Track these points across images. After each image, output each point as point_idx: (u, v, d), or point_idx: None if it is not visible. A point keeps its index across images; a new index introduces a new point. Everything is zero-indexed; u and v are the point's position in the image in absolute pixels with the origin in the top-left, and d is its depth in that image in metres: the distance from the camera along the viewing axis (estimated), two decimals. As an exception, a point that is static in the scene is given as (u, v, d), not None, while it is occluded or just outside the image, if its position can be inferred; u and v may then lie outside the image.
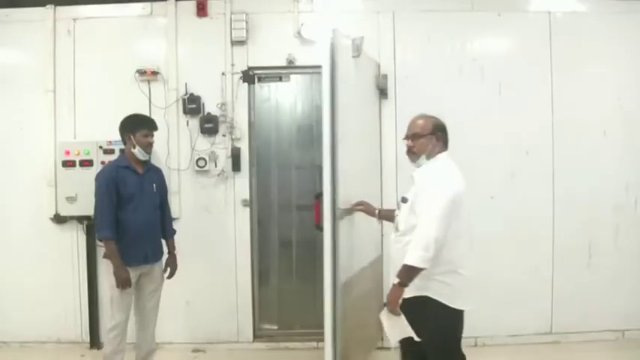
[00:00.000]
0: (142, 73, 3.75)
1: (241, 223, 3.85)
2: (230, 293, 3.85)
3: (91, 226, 3.64)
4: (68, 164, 3.69)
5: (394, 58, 3.78)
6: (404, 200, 2.44)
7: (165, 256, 3.27)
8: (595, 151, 3.84)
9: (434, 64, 3.80)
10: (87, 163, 3.68)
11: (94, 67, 3.80)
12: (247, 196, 3.83)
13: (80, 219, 3.75)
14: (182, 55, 3.81)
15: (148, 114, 3.68)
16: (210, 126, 3.77)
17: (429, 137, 2.45)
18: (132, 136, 3.06)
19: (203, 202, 3.86)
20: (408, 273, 2.27)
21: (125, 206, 3.00)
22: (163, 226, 3.24)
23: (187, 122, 3.80)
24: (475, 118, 3.77)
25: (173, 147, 3.82)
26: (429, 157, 2.45)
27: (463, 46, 3.83)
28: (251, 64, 3.79)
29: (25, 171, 3.83)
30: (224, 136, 3.80)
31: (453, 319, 2.40)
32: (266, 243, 4.04)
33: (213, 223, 3.84)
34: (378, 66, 3.74)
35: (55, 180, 3.76)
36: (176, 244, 3.31)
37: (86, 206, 3.35)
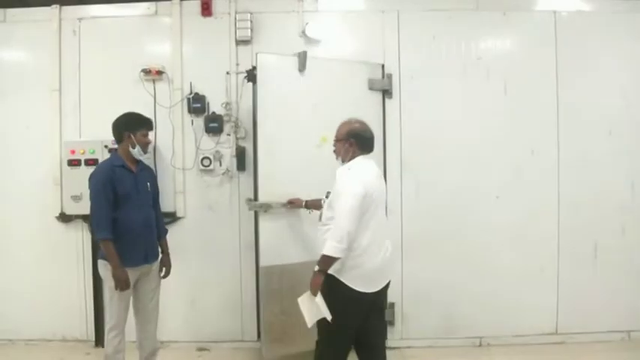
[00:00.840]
0: (146, 72, 3.82)
1: (246, 222, 3.88)
2: (235, 293, 3.90)
3: (94, 226, 3.70)
4: (73, 163, 3.76)
5: (399, 58, 3.83)
6: (327, 195, 2.77)
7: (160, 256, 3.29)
8: (601, 150, 3.89)
9: (439, 64, 3.86)
10: (92, 162, 3.73)
11: (99, 67, 3.87)
12: (252, 195, 3.83)
13: (85, 218, 3.82)
14: (187, 54, 3.87)
15: (152, 113, 3.82)
16: (214, 125, 3.83)
17: (342, 142, 2.77)
18: (132, 135, 3.07)
19: (208, 201, 3.91)
20: (325, 261, 2.60)
21: (122, 206, 2.99)
22: (156, 226, 3.23)
23: (192, 121, 3.87)
24: (480, 118, 3.84)
25: (178, 146, 3.89)
26: (343, 159, 2.77)
27: (468, 46, 3.87)
28: (255, 64, 3.67)
29: (31, 170, 3.91)
30: (229, 135, 3.85)
31: (350, 300, 2.66)
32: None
33: (217, 222, 3.90)
34: (381, 66, 3.79)
35: (61, 179, 3.84)
36: (182, 243, 3.40)
37: (91, 205, 3.38)
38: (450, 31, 3.87)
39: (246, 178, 3.89)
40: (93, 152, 3.75)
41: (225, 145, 3.86)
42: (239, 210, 3.89)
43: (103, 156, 3.73)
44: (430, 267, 3.87)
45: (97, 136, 3.76)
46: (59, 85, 3.88)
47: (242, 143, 3.85)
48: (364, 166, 2.73)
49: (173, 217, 3.88)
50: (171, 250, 3.34)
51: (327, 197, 2.78)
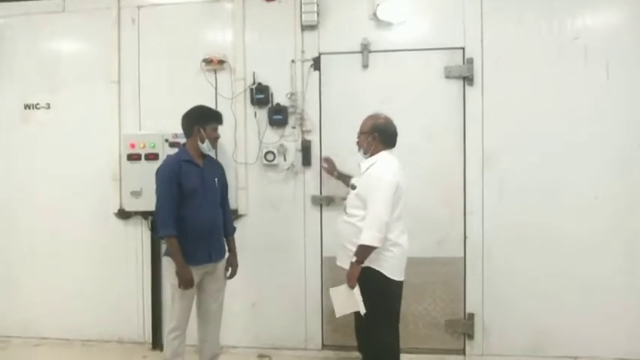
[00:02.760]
0: (208, 62, 4.09)
1: (311, 222, 4.10)
2: (298, 297, 4.11)
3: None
4: (133, 158, 4.03)
5: (481, 41, 3.90)
6: (353, 187, 3.22)
7: (227, 255, 3.55)
8: None
9: (527, 46, 3.88)
10: (152, 157, 4.01)
11: (158, 57, 4.21)
12: (318, 193, 4.08)
13: (145, 214, 4.14)
14: (249, 42, 4.13)
15: (214, 105, 4.08)
16: (279, 117, 4.04)
17: (366, 135, 3.24)
18: (202, 129, 3.32)
19: (271, 199, 4.15)
20: (364, 251, 3.04)
21: (188, 202, 3.22)
22: (224, 223, 3.48)
23: (255, 113, 4.10)
24: (576, 106, 3.85)
25: (240, 140, 4.13)
26: (366, 152, 3.25)
27: (561, 24, 3.87)
28: (322, 50, 4.04)
29: (90, 164, 4.30)
30: (294, 128, 4.06)
31: (388, 288, 3.16)
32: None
33: (281, 221, 4.13)
34: (462, 50, 3.89)
35: (120, 174, 4.15)
36: (243, 243, 3.59)
37: (151, 201, 3.53)
38: (539, 8, 3.88)
39: (312, 174, 4.08)
40: (153, 146, 4.02)
41: (290, 139, 4.07)
42: (304, 208, 4.09)
43: (163, 150, 4.01)
44: (516, 274, 3.93)
45: (157, 129, 4.08)
46: (118, 76, 4.26)
47: (308, 137, 4.04)
48: (390, 159, 3.21)
49: (235, 215, 4.05)
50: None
51: (352, 188, 3.23)
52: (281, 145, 4.16)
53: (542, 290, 3.99)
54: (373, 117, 3.29)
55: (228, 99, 4.18)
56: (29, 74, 4.47)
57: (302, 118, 4.10)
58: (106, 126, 4.34)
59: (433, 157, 4.01)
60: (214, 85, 4.20)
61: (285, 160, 4.16)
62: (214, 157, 3.64)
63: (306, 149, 4.10)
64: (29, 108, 4.49)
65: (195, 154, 3.39)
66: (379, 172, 3.16)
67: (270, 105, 4.14)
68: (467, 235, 4.03)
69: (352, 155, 3.64)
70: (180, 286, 3.25)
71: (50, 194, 4.47)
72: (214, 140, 3.42)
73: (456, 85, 4.00)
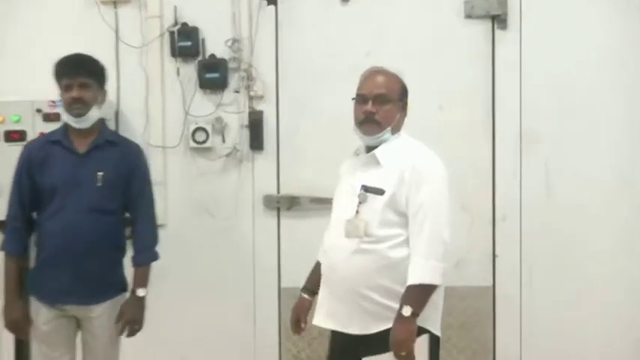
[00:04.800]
0: None
1: (264, 235, 3.86)
2: (247, 344, 3.90)
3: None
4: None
5: None
6: (376, 191, 2.71)
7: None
8: None
9: None
10: (16, 136, 3.72)
11: None
12: (275, 190, 3.87)
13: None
14: None
15: (114, 56, 3.82)
16: (214, 76, 3.81)
17: (397, 104, 2.77)
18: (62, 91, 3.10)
19: (203, 200, 3.91)
20: (424, 296, 2.62)
21: (46, 205, 3.04)
22: (134, 244, 3.18)
23: (178, 70, 3.85)
24: None
25: (155, 111, 3.87)
26: (393, 130, 2.78)
27: None
28: None
29: None
30: (237, 92, 3.84)
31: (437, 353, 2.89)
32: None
33: (218, 233, 3.92)
34: None
35: None
36: (161, 268, 3.29)
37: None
38: None
39: (265, 162, 3.90)
40: (18, 120, 3.74)
41: (232, 109, 3.86)
42: (253, 214, 3.90)
43: (34, 126, 3.70)
44: (573, 314, 3.75)
45: (23, 94, 3.75)
46: None
47: (259, 106, 3.86)
48: (416, 141, 2.88)
49: None
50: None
51: (375, 193, 2.73)
52: (218, 119, 3.89)
53: (611, 339, 3.82)
54: (392, 74, 2.87)
55: (136, 48, 3.91)
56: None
57: (249, 78, 3.88)
58: None
59: (445, 136, 3.72)
60: (114, 26, 3.91)
61: (223, 141, 3.92)
62: (106, 133, 3.23)
63: (255, 125, 3.88)
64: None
65: (75, 133, 3.08)
66: (428, 161, 2.75)
67: (200, 57, 3.90)
68: (497, 252, 3.84)
69: (333, 138, 3.53)
70: (6, 327, 3.13)
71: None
72: (69, 104, 3.04)
73: (482, 29, 3.82)
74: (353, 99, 2.82)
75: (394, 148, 2.77)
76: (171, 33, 3.84)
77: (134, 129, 3.88)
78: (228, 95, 3.87)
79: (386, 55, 3.61)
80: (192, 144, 3.86)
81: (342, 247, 2.76)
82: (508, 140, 3.79)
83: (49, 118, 3.70)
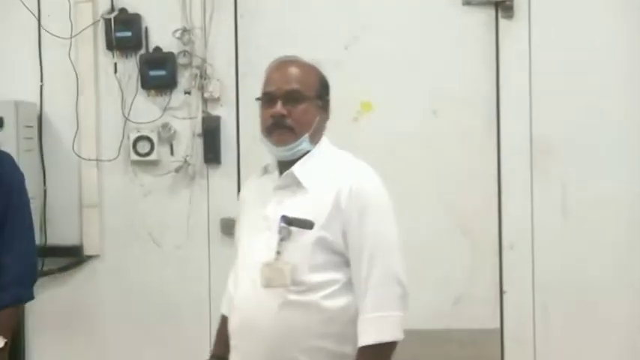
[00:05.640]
0: None
1: (222, 264, 3.44)
2: None
3: None
4: None
5: None
6: (302, 224, 2.35)
7: None
8: None
9: None
10: None
11: None
12: (234, 213, 3.45)
13: None
14: None
15: (36, 48, 3.75)
16: (160, 74, 3.72)
17: (314, 103, 2.43)
18: None
19: (147, 224, 3.83)
20: (384, 358, 2.36)
21: None
22: (1, 278, 2.88)
23: (115, 66, 3.77)
24: None
25: (87, 116, 3.80)
26: (313, 138, 2.43)
27: None
28: None
29: None
30: (188, 94, 3.75)
31: None
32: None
33: (165, 266, 3.83)
34: None
35: None
36: (91, 313, 3.47)
37: None
38: None
39: (222, 178, 3.81)
40: None
41: (182, 114, 3.77)
42: (208, 242, 3.80)
43: None
44: (594, 353, 3.63)
45: None
46: None
47: (215, 110, 3.76)
48: (346, 153, 2.56)
49: (76, 258, 3.82)
50: (69, 329, 3.45)
51: (287, 226, 2.36)
52: (165, 126, 3.77)
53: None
54: (309, 65, 2.54)
55: (64, 39, 3.77)
56: None
57: (203, 77, 3.76)
58: None
59: (440, 148, 3.71)
60: (36, 12, 3.79)
61: (172, 153, 3.79)
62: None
63: (211, 133, 3.76)
64: None
65: None
66: (369, 180, 2.40)
67: (143, 51, 3.80)
68: (504, 287, 3.69)
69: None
70: None
71: None
72: None
73: (483, 18, 3.70)
74: (257, 99, 2.48)
75: (318, 163, 2.43)
76: (107, 21, 3.72)
77: (61, 138, 3.81)
78: (177, 97, 3.77)
79: (369, 49, 3.66)
80: (134, 156, 3.74)
81: (261, 301, 2.38)
82: (516, 151, 3.66)
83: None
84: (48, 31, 3.76)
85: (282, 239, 2.32)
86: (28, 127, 3.62)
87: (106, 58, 3.78)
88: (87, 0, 3.78)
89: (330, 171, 2.38)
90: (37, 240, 3.61)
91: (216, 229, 3.79)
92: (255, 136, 3.41)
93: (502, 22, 3.65)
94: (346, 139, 3.44)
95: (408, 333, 3.25)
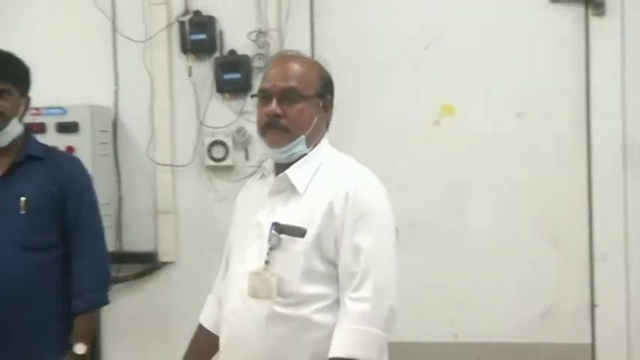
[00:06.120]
0: None
1: None
2: None
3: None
4: None
5: None
6: (293, 231, 2.24)
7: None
8: None
9: None
10: None
11: None
12: None
13: None
14: None
15: (111, 51, 3.80)
16: (235, 77, 3.74)
17: (313, 102, 2.29)
18: None
19: (222, 231, 3.47)
20: None
21: None
22: (75, 285, 2.94)
23: (190, 70, 3.81)
24: None
25: (162, 121, 3.84)
26: (310, 140, 2.30)
27: None
28: None
29: None
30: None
31: None
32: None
33: None
34: None
35: None
36: (170, 312, 3.47)
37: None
38: None
39: None
40: None
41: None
42: None
43: None
44: None
45: None
46: None
47: None
48: (347, 157, 2.41)
49: (151, 264, 3.87)
50: (144, 336, 3.48)
51: (277, 234, 2.26)
52: (240, 131, 3.81)
53: None
54: (311, 61, 2.46)
55: (138, 42, 3.84)
56: None
57: None
58: None
59: (526, 152, 3.67)
60: (110, 14, 3.85)
61: (247, 158, 3.83)
62: (37, 149, 3.01)
63: None
64: None
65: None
66: (368, 186, 2.28)
67: (217, 54, 3.84)
68: (596, 301, 3.64)
69: (386, 151, 3.55)
70: None
71: None
72: None
73: (572, 15, 3.67)
74: (252, 96, 2.40)
75: (314, 167, 2.30)
76: (181, 24, 3.78)
77: (136, 143, 3.87)
78: (252, 101, 3.58)
79: (449, 50, 3.64)
80: (209, 162, 3.78)
81: (249, 312, 2.27)
82: (608, 155, 3.61)
83: (31, 129, 3.43)
84: (122, 34, 3.82)
85: (271, 248, 2.23)
86: (103, 131, 3.67)
87: (181, 62, 3.83)
88: (161, 3, 3.83)
89: (327, 175, 2.27)
90: (112, 246, 3.76)
91: (292, 233, 3.87)
92: (334, 141, 3.49)
93: (593, 19, 3.61)
94: (426, 143, 3.69)
95: (491, 346, 3.59)
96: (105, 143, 3.73)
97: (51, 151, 3.07)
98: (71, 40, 3.59)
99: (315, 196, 2.21)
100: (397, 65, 3.57)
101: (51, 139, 3.55)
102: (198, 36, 3.76)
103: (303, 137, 2.24)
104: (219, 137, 3.80)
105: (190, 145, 3.83)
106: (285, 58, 2.38)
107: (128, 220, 3.88)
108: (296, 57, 2.38)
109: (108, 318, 3.78)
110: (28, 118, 3.60)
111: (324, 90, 2.30)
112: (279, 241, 2.21)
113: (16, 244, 2.87)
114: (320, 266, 2.20)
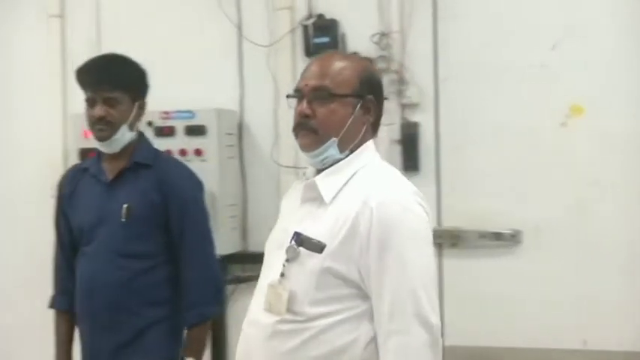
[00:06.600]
0: None
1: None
2: None
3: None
4: (90, 155, 3.52)
5: None
6: (312, 245, 2.08)
7: None
8: None
9: None
10: None
11: None
12: (434, 223, 3.69)
13: None
14: None
15: (236, 56, 3.91)
16: None
17: (347, 102, 2.14)
18: None
19: None
20: None
21: (78, 250, 2.97)
22: (184, 298, 2.93)
23: None
24: None
25: (286, 123, 3.50)
26: (344, 144, 2.14)
27: None
28: None
29: (8, 170, 4.22)
30: (386, 99, 3.41)
31: None
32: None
33: None
34: None
35: None
36: None
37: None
38: None
39: (421, 185, 3.35)
40: None
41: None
42: None
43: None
44: None
45: None
46: (61, 6, 4.14)
47: (414, 116, 3.78)
48: (390, 167, 2.26)
49: None
50: None
51: (296, 246, 2.11)
52: None
53: None
54: (352, 59, 2.34)
55: (263, 46, 3.93)
56: None
57: (401, 82, 3.79)
58: (37, 98, 4.21)
59: None
60: (236, 20, 3.97)
61: None
62: (147, 156, 2.99)
63: (409, 140, 3.79)
64: None
65: (106, 157, 2.96)
66: (399, 196, 2.10)
67: None
68: None
69: (511, 156, 3.57)
70: None
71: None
72: (92, 124, 2.88)
73: None
74: (288, 97, 2.25)
75: (348, 175, 2.13)
76: (305, 27, 3.84)
77: (261, 146, 3.92)
78: None
79: (580, 49, 3.56)
80: None
81: (259, 326, 2.16)
82: None
83: (161, 132, 3.71)
84: (248, 39, 3.91)
85: (287, 260, 2.09)
86: (229, 134, 3.76)
87: (304, 65, 3.66)
88: (285, 7, 3.92)
89: (358, 185, 2.10)
90: (238, 247, 3.89)
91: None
92: (458, 144, 3.59)
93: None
94: (552, 144, 3.64)
95: (624, 354, 3.51)
96: (231, 146, 3.81)
97: (160, 158, 3.05)
98: (199, 47, 3.69)
99: (342, 209, 2.06)
100: (522, 66, 3.56)
101: (180, 141, 3.70)
102: (322, 39, 3.81)
103: (334, 140, 2.11)
104: (340, 139, 3.91)
105: (306, 147, 3.98)
106: (323, 56, 2.27)
107: (253, 221, 3.92)
108: (334, 55, 2.31)
109: (233, 318, 3.77)
110: (158, 122, 3.79)
111: (363, 89, 2.15)
112: (298, 253, 2.08)
113: (114, 252, 2.89)
114: (335, 285, 2.05)
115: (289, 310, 2.03)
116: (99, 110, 2.81)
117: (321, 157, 2.12)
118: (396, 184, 2.10)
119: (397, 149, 3.77)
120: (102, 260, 2.88)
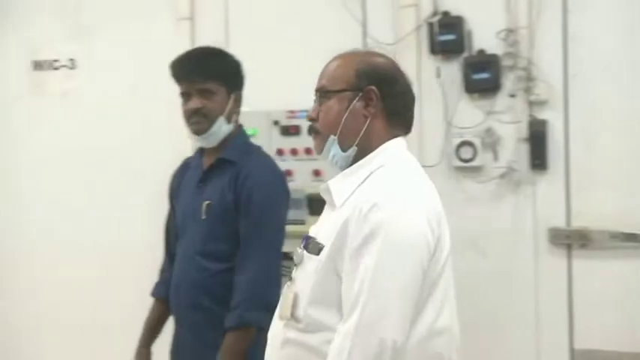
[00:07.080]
0: None
1: (549, 280, 3.76)
2: None
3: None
4: None
5: None
6: (313, 248, 2.08)
7: None
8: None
9: None
10: None
11: None
12: (563, 222, 3.77)
13: None
14: None
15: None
16: (484, 77, 3.77)
17: (342, 96, 2.10)
18: None
19: (470, 233, 3.82)
20: None
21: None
22: (232, 298, 2.85)
23: (438, 70, 3.87)
24: None
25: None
26: (346, 141, 2.10)
27: None
28: None
29: (147, 164, 4.26)
30: (513, 97, 3.78)
31: None
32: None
33: (491, 277, 3.81)
34: None
35: None
36: None
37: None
38: None
39: (549, 185, 3.78)
40: (255, 133, 3.72)
41: (507, 118, 3.80)
42: (534, 253, 3.78)
43: (271, 141, 3.80)
44: None
45: (258, 104, 3.66)
46: (191, 10, 4.22)
47: (542, 113, 3.76)
48: (414, 166, 2.19)
49: None
50: None
51: (309, 251, 2.13)
52: (488, 131, 3.85)
53: None
54: (355, 54, 2.29)
55: (387, 45, 3.85)
56: (39, 10, 4.60)
57: (529, 78, 3.78)
58: (171, 98, 3.96)
59: None
60: (361, 18, 4.00)
61: (496, 158, 3.85)
62: (236, 152, 2.97)
63: (537, 137, 3.77)
64: (41, 67, 4.63)
65: (207, 151, 3.00)
66: (391, 199, 2.01)
67: (466, 54, 3.88)
68: None
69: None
70: None
71: (75, 222, 4.56)
72: (187, 118, 2.91)
73: None
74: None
75: (362, 177, 2.09)
76: (430, 25, 3.84)
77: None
78: (501, 100, 3.81)
79: None
80: (456, 162, 3.84)
81: (273, 334, 2.21)
82: None
83: (287, 131, 3.81)
84: (372, 38, 3.94)
85: (296, 264, 2.13)
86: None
87: (429, 63, 3.90)
88: (410, 5, 3.92)
89: (366, 187, 2.05)
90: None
91: (544, 239, 3.80)
92: (588, 142, 3.61)
93: None
94: None
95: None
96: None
97: (249, 156, 2.98)
98: (325, 46, 3.46)
99: (345, 211, 2.03)
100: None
101: (305, 140, 3.70)
102: (447, 37, 3.83)
103: (333, 138, 2.09)
104: (468, 138, 3.84)
105: (438, 145, 3.89)
106: (334, 57, 2.24)
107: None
108: (338, 55, 2.24)
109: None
110: (284, 121, 3.91)
111: (361, 81, 2.09)
112: (301, 258, 2.11)
113: (195, 250, 2.91)
114: (334, 288, 2.03)
115: (292, 315, 2.06)
116: (194, 102, 2.84)
117: (329, 158, 2.13)
118: (393, 186, 2.03)
119: (525, 147, 3.78)
120: (186, 258, 2.95)
